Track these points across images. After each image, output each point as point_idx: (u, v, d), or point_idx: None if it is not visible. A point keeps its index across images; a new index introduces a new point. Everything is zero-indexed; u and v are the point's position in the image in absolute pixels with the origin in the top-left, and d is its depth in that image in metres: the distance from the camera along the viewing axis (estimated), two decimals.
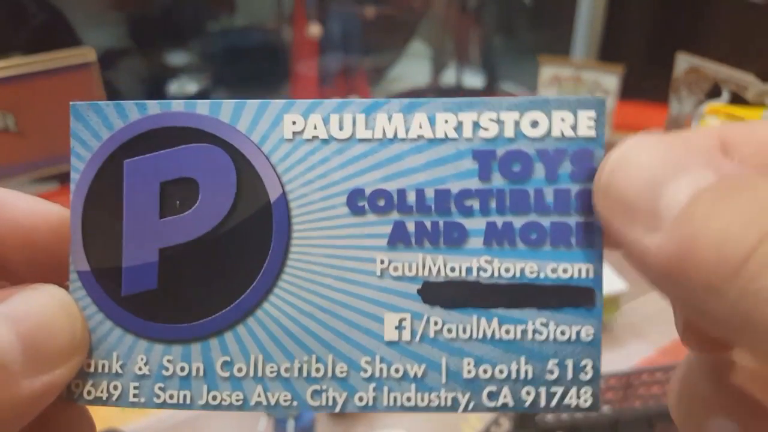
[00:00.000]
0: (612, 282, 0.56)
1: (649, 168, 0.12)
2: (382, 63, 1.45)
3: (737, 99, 0.72)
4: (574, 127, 0.15)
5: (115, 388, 0.15)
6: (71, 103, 0.15)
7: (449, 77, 1.50)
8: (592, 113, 0.15)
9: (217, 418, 0.48)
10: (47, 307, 0.14)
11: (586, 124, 0.15)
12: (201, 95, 1.32)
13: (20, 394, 0.13)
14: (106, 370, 0.15)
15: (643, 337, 0.56)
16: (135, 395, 0.15)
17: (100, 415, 0.48)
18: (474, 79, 1.51)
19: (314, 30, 1.25)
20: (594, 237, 0.15)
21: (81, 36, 0.97)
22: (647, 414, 0.48)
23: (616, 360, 0.53)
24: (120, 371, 0.15)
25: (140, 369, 0.15)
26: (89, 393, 0.15)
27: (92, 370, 0.15)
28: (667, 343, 0.56)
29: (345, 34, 1.30)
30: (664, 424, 0.48)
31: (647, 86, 0.90)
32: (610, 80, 0.85)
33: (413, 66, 1.49)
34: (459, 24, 1.52)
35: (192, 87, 1.38)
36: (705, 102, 0.74)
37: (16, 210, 0.15)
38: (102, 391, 0.15)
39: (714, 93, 0.74)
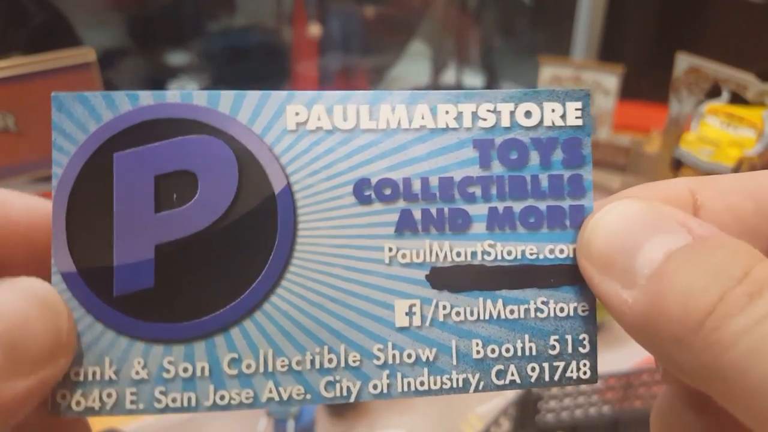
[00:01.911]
0: None
1: (626, 229, 0.14)
2: (382, 63, 1.45)
3: (737, 99, 0.72)
4: (563, 117, 0.16)
5: (109, 395, 0.14)
6: (53, 93, 0.14)
7: (449, 77, 1.50)
8: (579, 104, 0.16)
9: (217, 418, 0.48)
10: (27, 304, 0.13)
11: (574, 114, 0.16)
12: None
13: (0, 398, 0.12)
14: (98, 378, 0.14)
15: None
16: (132, 402, 0.14)
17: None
18: (474, 79, 1.51)
19: (314, 30, 1.25)
20: (585, 219, 0.16)
21: (81, 36, 0.97)
22: (647, 414, 0.48)
23: (616, 360, 0.53)
24: (114, 377, 0.14)
25: (137, 373, 0.14)
26: (78, 404, 0.14)
27: (81, 378, 0.14)
28: None
29: (345, 34, 1.30)
30: None
31: (647, 86, 0.90)
32: (610, 80, 0.85)
33: (413, 66, 1.49)
34: (459, 24, 1.52)
35: (192, 87, 1.38)
36: (705, 102, 0.74)
37: (13, 210, 0.14)
38: (93, 401, 0.14)
39: (714, 93, 0.74)
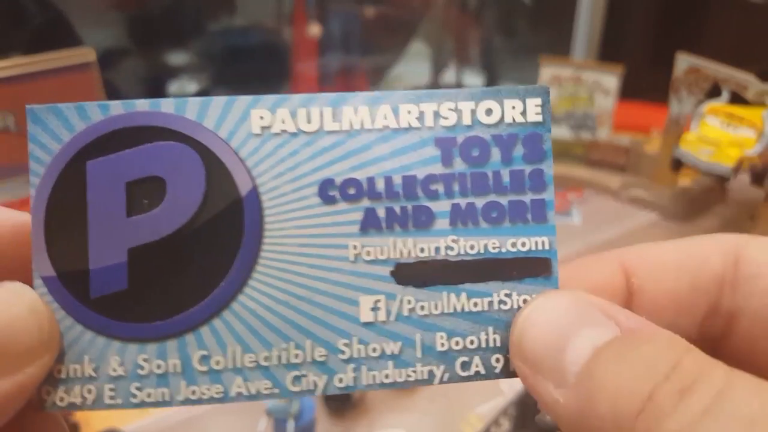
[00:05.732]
0: None
1: (553, 326, 0.14)
2: (382, 63, 1.45)
3: (737, 99, 0.72)
4: (523, 114, 0.16)
5: (89, 391, 0.15)
6: (27, 107, 0.15)
7: (449, 77, 1.50)
8: (538, 101, 0.16)
9: (217, 418, 0.48)
10: (10, 305, 0.13)
11: (534, 110, 0.16)
12: (201, 95, 1.32)
13: None
14: (79, 375, 0.15)
15: None
16: (111, 397, 0.15)
17: (99, 414, 0.48)
18: (474, 79, 1.51)
19: (314, 30, 1.25)
20: (546, 212, 0.16)
21: (81, 36, 0.97)
22: None
23: None
24: (93, 374, 0.15)
25: (115, 370, 0.15)
26: (62, 399, 0.15)
27: (64, 375, 0.15)
28: None
29: (345, 34, 1.30)
30: None
31: (647, 86, 0.90)
32: (610, 80, 0.85)
33: (413, 66, 1.49)
34: (459, 24, 1.52)
35: (192, 87, 1.38)
36: (705, 102, 0.74)
37: None
38: (75, 396, 0.15)
39: (714, 93, 0.74)
